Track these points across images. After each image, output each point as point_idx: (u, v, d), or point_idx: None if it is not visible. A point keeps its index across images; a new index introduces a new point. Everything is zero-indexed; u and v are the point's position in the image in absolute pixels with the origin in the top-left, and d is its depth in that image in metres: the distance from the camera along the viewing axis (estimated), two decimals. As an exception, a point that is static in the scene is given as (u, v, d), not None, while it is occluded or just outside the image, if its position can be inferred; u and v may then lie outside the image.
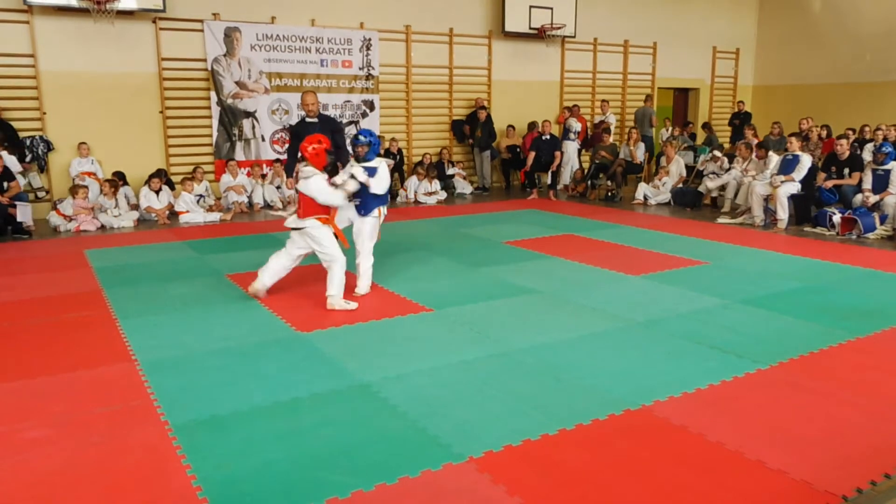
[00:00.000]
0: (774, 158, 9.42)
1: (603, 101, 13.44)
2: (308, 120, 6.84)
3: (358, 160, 5.55)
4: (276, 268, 5.40)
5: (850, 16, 14.47)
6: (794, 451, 3.02)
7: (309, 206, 5.16)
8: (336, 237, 5.25)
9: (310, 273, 5.98)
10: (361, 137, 5.58)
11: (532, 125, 12.53)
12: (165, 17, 9.95)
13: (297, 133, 6.83)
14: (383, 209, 5.72)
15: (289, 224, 5.30)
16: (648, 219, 9.69)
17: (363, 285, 5.63)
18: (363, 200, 5.58)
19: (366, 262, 5.65)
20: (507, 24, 12.54)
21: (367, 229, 5.65)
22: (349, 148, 6.19)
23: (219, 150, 10.64)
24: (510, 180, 13.23)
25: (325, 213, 5.21)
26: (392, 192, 11.43)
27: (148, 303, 5.42)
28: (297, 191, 5.24)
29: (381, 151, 7.30)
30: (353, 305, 5.20)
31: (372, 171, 5.48)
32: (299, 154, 5.45)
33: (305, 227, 5.16)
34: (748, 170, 9.84)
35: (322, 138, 5.24)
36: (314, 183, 5.13)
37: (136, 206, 9.42)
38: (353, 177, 5.40)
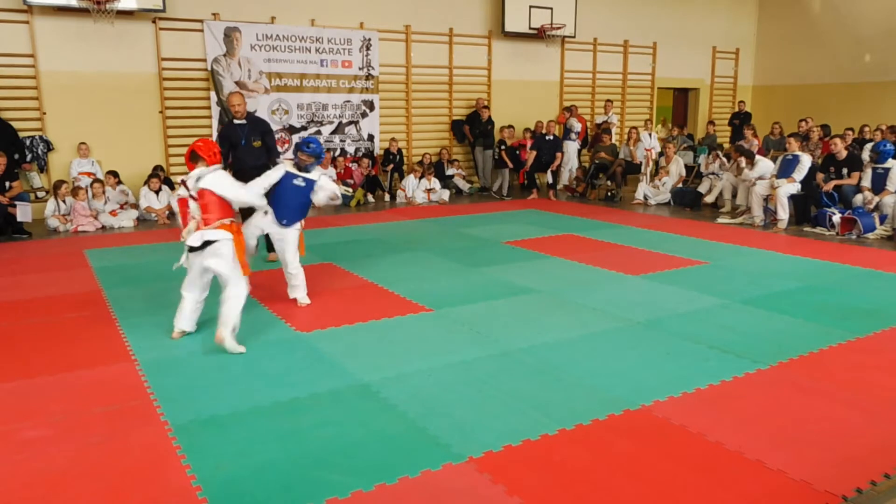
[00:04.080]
0: (763, 162, 9.41)
1: (607, 100, 13.42)
2: (236, 122, 6.50)
3: (299, 169, 5.17)
4: (191, 307, 4.56)
5: (850, 16, 14.48)
6: (794, 451, 3.02)
7: (218, 210, 4.35)
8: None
9: (310, 272, 5.97)
10: (312, 146, 5.16)
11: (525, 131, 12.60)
12: (165, 17, 9.94)
13: (225, 136, 6.50)
14: (302, 221, 5.33)
15: (193, 242, 4.33)
16: (648, 219, 9.69)
17: (302, 295, 5.33)
18: (287, 212, 5.14)
19: (298, 272, 5.28)
20: (506, 24, 12.54)
21: (292, 239, 5.21)
22: (292, 152, 5.95)
23: (219, 150, 10.63)
24: (510, 180, 13.21)
25: (231, 217, 4.45)
26: (391, 192, 11.51)
27: (148, 303, 5.42)
28: (191, 197, 4.37)
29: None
30: (242, 349, 4.29)
31: (311, 184, 5.20)
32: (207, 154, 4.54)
33: (217, 241, 4.30)
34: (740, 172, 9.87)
35: (204, 140, 4.58)
36: (222, 177, 4.40)
37: (135, 206, 9.43)
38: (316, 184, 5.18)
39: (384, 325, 4.85)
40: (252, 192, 4.73)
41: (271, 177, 5.15)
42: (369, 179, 11.21)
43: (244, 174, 6.27)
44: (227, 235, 4.32)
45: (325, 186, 5.30)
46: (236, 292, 4.33)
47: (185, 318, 4.56)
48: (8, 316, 5.11)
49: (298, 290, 5.34)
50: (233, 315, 4.29)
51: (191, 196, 4.38)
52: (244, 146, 6.48)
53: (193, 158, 4.44)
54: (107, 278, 6.20)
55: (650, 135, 12.57)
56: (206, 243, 4.30)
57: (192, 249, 4.37)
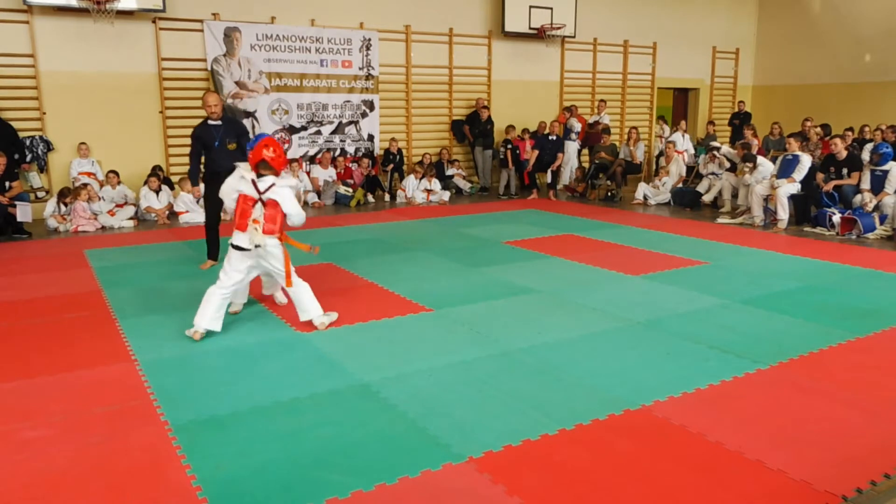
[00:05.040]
0: (763, 165, 9.43)
1: (600, 101, 13.45)
2: (210, 122, 6.36)
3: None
4: (218, 304, 4.53)
5: (850, 16, 14.48)
6: (794, 451, 3.02)
7: (274, 220, 4.45)
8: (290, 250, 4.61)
9: (310, 272, 5.97)
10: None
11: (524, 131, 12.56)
12: (165, 17, 9.95)
13: (198, 136, 6.37)
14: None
15: (241, 243, 4.45)
16: (648, 219, 9.69)
17: (316, 316, 4.87)
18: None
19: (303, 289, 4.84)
20: (506, 24, 12.54)
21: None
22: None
23: (219, 150, 10.64)
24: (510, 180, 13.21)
25: (283, 229, 4.56)
26: (391, 192, 11.51)
27: (148, 303, 5.42)
28: (261, 201, 4.44)
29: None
30: (334, 316, 4.83)
31: None
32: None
33: (266, 246, 4.45)
34: (744, 171, 9.84)
35: (271, 141, 4.50)
36: (289, 193, 4.49)
37: (135, 205, 9.43)
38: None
39: (384, 325, 4.85)
40: (303, 217, 4.65)
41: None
42: (369, 179, 11.22)
43: (217, 177, 5.90)
44: (275, 242, 4.50)
45: (289, 208, 4.55)
46: (294, 290, 4.63)
47: (210, 315, 4.48)
48: (8, 316, 5.11)
49: (305, 312, 4.76)
50: (307, 303, 4.66)
51: (260, 200, 4.44)
52: (218, 148, 6.26)
53: (263, 165, 4.43)
54: (107, 278, 6.20)
55: (683, 136, 12.35)
56: (257, 246, 4.43)
57: (239, 248, 4.47)
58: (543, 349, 4.31)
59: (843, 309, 5.18)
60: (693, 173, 11.65)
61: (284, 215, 4.52)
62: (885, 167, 8.60)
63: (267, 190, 4.44)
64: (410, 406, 3.49)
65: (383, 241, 7.95)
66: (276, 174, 4.48)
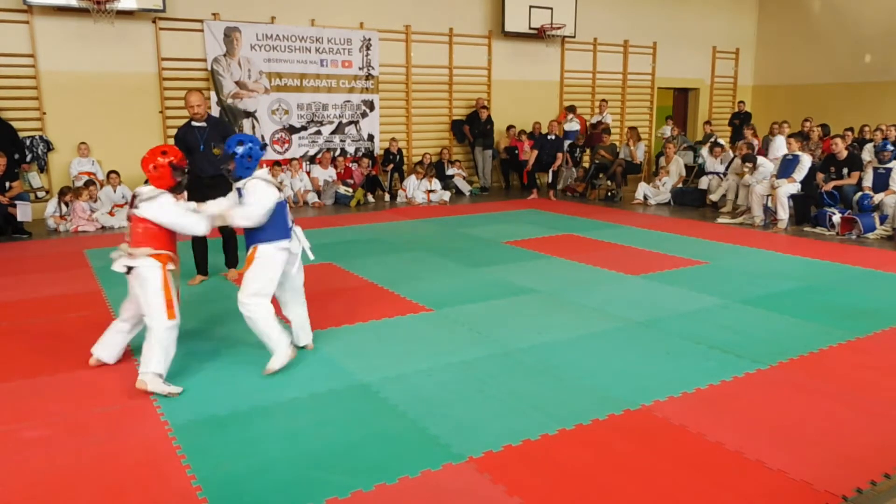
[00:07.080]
0: (764, 165, 9.44)
1: (602, 100, 13.45)
2: (194, 124, 5.86)
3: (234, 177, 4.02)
4: (112, 333, 3.99)
5: (849, 16, 14.47)
6: (794, 451, 3.02)
7: (145, 236, 3.76)
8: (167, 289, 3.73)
9: (310, 272, 5.96)
10: (235, 149, 3.93)
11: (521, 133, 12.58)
12: (165, 17, 9.95)
13: (180, 139, 5.84)
14: (283, 244, 4.03)
15: (116, 267, 3.84)
16: (648, 219, 9.69)
17: (304, 337, 4.29)
18: (246, 231, 4.03)
19: (261, 314, 3.94)
20: (506, 24, 12.54)
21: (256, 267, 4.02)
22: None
23: (219, 150, 10.63)
24: (510, 180, 13.23)
25: (164, 247, 3.78)
26: (391, 192, 11.50)
27: (148, 303, 5.41)
28: (127, 217, 3.91)
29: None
30: (176, 390, 3.63)
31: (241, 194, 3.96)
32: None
33: (136, 268, 3.75)
34: (744, 171, 9.84)
35: (168, 149, 3.91)
36: (162, 202, 3.75)
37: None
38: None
39: (384, 325, 4.85)
40: (195, 223, 3.91)
41: (221, 204, 4.15)
42: (369, 179, 11.22)
43: (199, 182, 5.66)
44: (152, 263, 3.73)
45: (249, 197, 3.90)
46: (154, 334, 3.64)
47: (102, 343, 4.01)
48: (8, 316, 5.11)
49: (299, 333, 4.28)
50: (150, 357, 3.60)
51: (127, 216, 3.87)
52: (202, 152, 5.75)
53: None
54: (107, 278, 6.19)
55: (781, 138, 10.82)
56: (130, 268, 3.78)
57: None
58: (543, 349, 4.31)
59: (843, 309, 5.18)
60: (693, 173, 11.66)
61: (162, 232, 3.79)
62: (888, 165, 8.59)
63: (133, 203, 3.82)
64: (410, 406, 3.49)
65: (383, 241, 7.95)
66: (158, 186, 3.80)
